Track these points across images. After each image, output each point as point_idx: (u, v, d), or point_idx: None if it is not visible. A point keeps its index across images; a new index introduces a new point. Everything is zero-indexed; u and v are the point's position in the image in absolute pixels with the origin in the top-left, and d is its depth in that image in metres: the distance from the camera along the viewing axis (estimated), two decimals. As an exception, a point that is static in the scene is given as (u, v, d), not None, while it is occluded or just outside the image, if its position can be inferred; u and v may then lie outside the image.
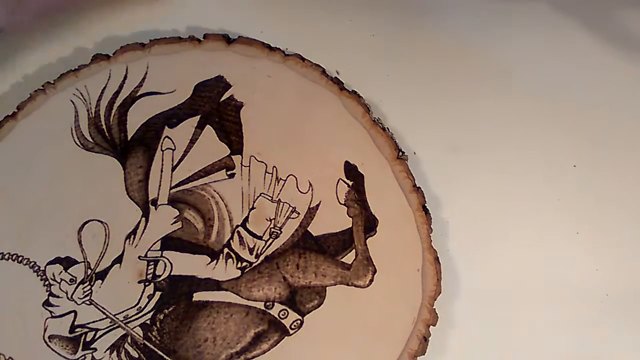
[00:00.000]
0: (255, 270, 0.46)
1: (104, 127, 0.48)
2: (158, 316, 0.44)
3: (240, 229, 0.46)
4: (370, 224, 0.47)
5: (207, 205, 0.47)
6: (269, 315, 0.45)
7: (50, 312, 0.44)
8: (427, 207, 0.48)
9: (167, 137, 0.48)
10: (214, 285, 0.45)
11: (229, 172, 0.47)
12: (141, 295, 0.45)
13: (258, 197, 0.47)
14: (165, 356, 0.43)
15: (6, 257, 0.45)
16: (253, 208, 0.47)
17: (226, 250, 0.46)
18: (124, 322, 0.44)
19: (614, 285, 0.50)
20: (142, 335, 0.44)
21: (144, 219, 0.46)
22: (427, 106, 0.51)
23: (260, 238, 0.46)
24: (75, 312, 0.44)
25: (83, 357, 0.43)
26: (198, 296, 0.45)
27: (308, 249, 0.46)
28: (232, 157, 0.48)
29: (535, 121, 0.54)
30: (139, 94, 0.49)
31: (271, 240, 0.46)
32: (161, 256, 0.46)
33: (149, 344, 0.43)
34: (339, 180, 0.47)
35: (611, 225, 0.51)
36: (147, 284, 0.45)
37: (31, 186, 0.47)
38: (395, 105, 0.52)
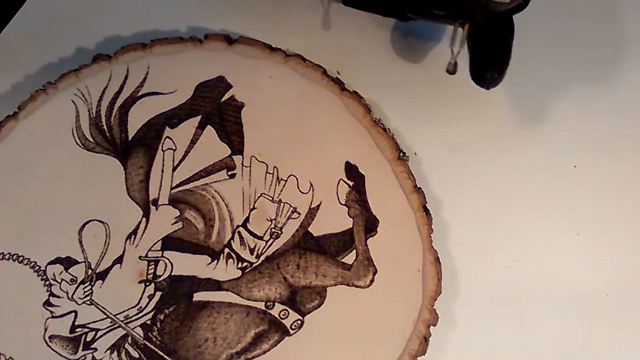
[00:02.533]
0: (255, 271, 0.46)
1: (104, 127, 0.48)
2: (158, 316, 0.44)
3: (241, 229, 0.46)
4: (370, 225, 0.47)
5: (208, 205, 0.47)
6: (269, 315, 0.45)
7: (51, 312, 0.44)
8: (428, 208, 0.48)
9: (168, 137, 0.48)
10: (215, 285, 0.45)
11: (229, 173, 0.47)
12: (142, 296, 0.45)
13: (259, 197, 0.47)
14: (165, 356, 0.43)
15: (7, 257, 0.45)
16: (254, 208, 0.47)
17: (227, 250, 0.46)
18: (124, 322, 0.44)
19: (614, 286, 0.50)
20: (142, 335, 0.44)
21: (144, 219, 0.46)
22: (428, 107, 0.51)
23: (260, 238, 0.46)
24: (75, 312, 0.44)
25: (83, 357, 0.43)
26: (198, 296, 0.45)
27: (309, 249, 0.46)
28: (233, 157, 0.48)
29: (535, 121, 0.54)
30: (140, 94, 0.49)
31: (272, 240, 0.46)
32: (162, 256, 0.46)
33: (149, 344, 0.43)
34: (339, 181, 0.47)
35: (612, 226, 0.51)
36: (147, 284, 0.45)
37: (32, 186, 0.47)
38: (396, 106, 0.52)
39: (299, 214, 0.47)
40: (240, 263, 0.46)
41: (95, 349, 0.43)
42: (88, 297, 0.44)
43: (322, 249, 0.46)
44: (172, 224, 0.46)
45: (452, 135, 0.53)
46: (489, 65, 0.45)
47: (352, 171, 0.48)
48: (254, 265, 0.46)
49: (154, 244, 0.46)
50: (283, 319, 0.45)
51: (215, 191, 0.47)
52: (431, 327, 0.45)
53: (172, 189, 0.47)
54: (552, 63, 0.56)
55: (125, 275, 0.45)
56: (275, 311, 0.45)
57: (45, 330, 0.44)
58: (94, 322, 0.44)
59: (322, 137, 0.48)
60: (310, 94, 0.49)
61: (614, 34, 0.57)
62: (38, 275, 0.45)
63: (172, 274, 0.45)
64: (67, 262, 0.45)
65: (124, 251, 0.46)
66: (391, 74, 0.53)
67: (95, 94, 0.49)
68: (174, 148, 0.48)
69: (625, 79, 0.55)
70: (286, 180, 0.47)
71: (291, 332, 0.44)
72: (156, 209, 0.47)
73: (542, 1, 0.55)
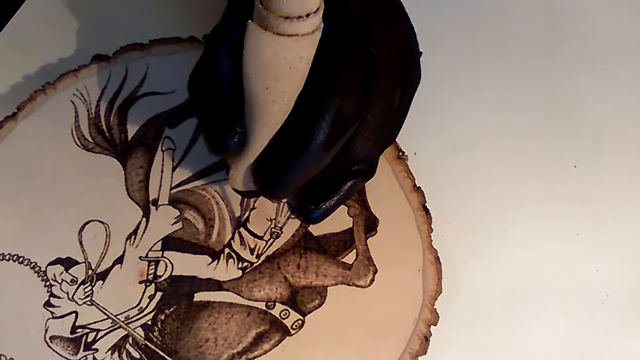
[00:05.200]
0: (256, 271, 0.46)
1: (104, 127, 0.48)
2: (159, 317, 0.44)
3: (241, 229, 0.46)
4: (370, 224, 0.47)
5: (208, 205, 0.47)
6: (270, 315, 0.45)
7: (51, 312, 0.44)
8: (428, 207, 0.48)
9: (167, 137, 0.48)
10: (215, 285, 0.45)
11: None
12: (142, 296, 0.45)
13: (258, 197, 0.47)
14: (166, 357, 0.43)
15: (7, 258, 0.45)
16: (254, 208, 0.47)
17: (227, 250, 0.46)
18: (125, 322, 0.44)
19: (614, 286, 0.50)
20: (143, 335, 0.44)
21: (144, 219, 0.46)
22: (427, 106, 0.51)
23: (261, 238, 0.46)
24: (76, 312, 0.44)
25: (84, 358, 0.43)
26: (199, 296, 0.45)
27: (309, 249, 0.46)
28: (233, 157, 0.48)
29: (535, 121, 0.54)
30: (139, 94, 0.49)
31: (272, 240, 0.46)
32: (162, 256, 0.46)
33: (150, 345, 0.43)
34: (339, 180, 0.47)
35: (611, 226, 0.51)
36: (148, 284, 0.45)
37: (32, 187, 0.47)
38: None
39: (299, 213, 0.47)
40: (240, 263, 0.46)
41: (96, 350, 0.43)
42: (88, 298, 0.44)
43: (323, 248, 0.46)
44: (172, 224, 0.46)
45: (451, 135, 0.53)
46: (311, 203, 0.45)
47: (351, 171, 0.48)
48: (255, 265, 0.46)
49: (154, 244, 0.46)
50: (284, 318, 0.44)
51: (215, 191, 0.47)
52: (432, 326, 0.45)
53: (171, 188, 0.47)
54: (550, 63, 0.56)
55: (126, 275, 0.45)
56: (276, 311, 0.45)
57: (46, 331, 0.43)
58: (94, 322, 0.44)
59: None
60: (309, 94, 0.49)
61: (612, 32, 0.58)
62: (38, 276, 0.44)
63: (173, 274, 0.45)
64: (68, 263, 0.45)
65: (124, 251, 0.45)
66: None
67: (94, 94, 0.49)
68: (174, 148, 0.48)
69: (625, 78, 0.56)
70: (286, 180, 0.47)
71: (292, 332, 0.44)
72: (156, 209, 0.47)
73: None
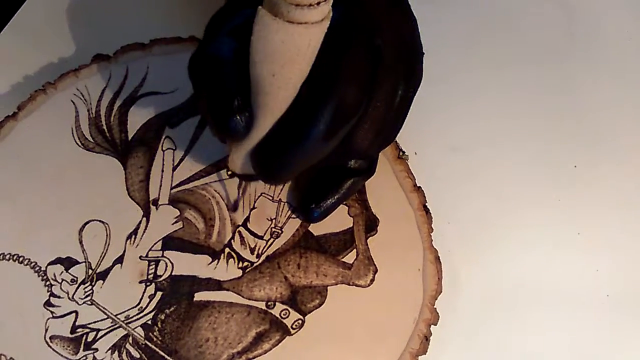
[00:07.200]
0: (256, 270, 0.46)
1: (104, 127, 0.48)
2: (159, 316, 0.44)
3: (241, 228, 0.46)
4: (371, 224, 0.47)
5: (208, 205, 0.47)
6: (270, 315, 0.44)
7: (52, 312, 0.44)
8: (428, 207, 0.48)
9: (167, 137, 0.48)
10: (215, 285, 0.45)
11: (229, 172, 0.47)
12: (142, 296, 0.45)
13: (259, 196, 0.47)
14: (166, 356, 0.43)
15: (7, 257, 0.45)
16: (254, 208, 0.47)
17: (227, 250, 0.46)
18: (125, 322, 0.44)
19: (614, 285, 0.50)
20: (143, 335, 0.44)
21: (144, 219, 0.46)
22: (428, 106, 0.51)
23: (261, 238, 0.46)
24: (76, 312, 0.44)
25: (84, 358, 0.43)
26: (199, 296, 0.45)
27: (309, 248, 0.46)
28: (233, 156, 0.48)
29: (535, 122, 0.54)
30: (139, 94, 0.49)
31: (272, 240, 0.46)
32: (162, 256, 0.46)
33: (150, 344, 0.43)
34: (339, 180, 0.47)
35: (612, 226, 0.51)
36: (148, 284, 0.45)
37: (32, 186, 0.47)
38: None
39: (300, 213, 0.47)
40: (240, 263, 0.46)
41: (96, 349, 0.43)
42: (89, 298, 0.44)
43: (323, 248, 0.46)
44: (173, 224, 0.46)
45: (452, 135, 0.53)
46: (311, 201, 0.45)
47: (352, 170, 0.48)
48: (255, 264, 0.46)
49: (155, 244, 0.46)
50: (284, 318, 0.44)
51: (215, 191, 0.47)
52: (432, 326, 0.45)
53: (172, 188, 0.47)
54: (550, 64, 0.56)
55: (126, 275, 0.45)
56: (276, 311, 0.45)
57: (46, 330, 0.43)
58: (94, 322, 0.44)
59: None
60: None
61: (613, 34, 0.58)
62: (38, 276, 0.44)
63: (173, 273, 0.45)
64: (68, 263, 0.45)
65: (124, 251, 0.45)
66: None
67: (94, 94, 0.49)
68: (174, 148, 0.48)
69: (626, 78, 0.56)
70: (286, 180, 0.47)
71: (292, 331, 0.44)
72: (156, 208, 0.47)
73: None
